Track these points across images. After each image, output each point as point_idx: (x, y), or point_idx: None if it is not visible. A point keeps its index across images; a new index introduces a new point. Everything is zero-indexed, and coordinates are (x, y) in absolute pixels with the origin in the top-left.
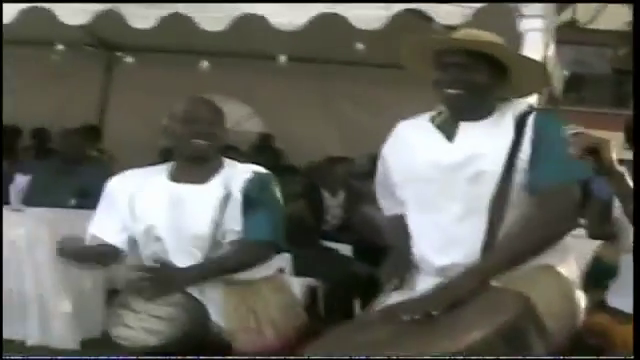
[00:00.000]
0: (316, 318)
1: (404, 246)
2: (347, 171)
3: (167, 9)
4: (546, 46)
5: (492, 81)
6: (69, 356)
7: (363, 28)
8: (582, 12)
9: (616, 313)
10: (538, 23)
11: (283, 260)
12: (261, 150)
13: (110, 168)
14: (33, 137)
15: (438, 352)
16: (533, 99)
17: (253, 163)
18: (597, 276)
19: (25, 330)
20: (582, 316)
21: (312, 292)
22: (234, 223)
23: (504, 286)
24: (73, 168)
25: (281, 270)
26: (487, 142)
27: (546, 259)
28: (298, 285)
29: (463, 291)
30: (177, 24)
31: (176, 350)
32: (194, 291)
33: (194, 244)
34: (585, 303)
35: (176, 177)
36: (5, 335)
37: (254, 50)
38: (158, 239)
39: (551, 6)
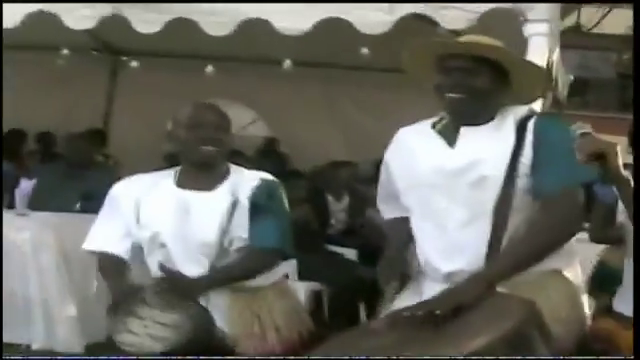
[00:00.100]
0: (321, 323)
1: (401, 248)
2: (351, 175)
3: (172, 14)
4: (551, 51)
5: (494, 86)
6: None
7: (368, 33)
8: (586, 17)
9: (622, 319)
10: (543, 27)
11: (288, 265)
12: (266, 154)
13: (115, 172)
14: (38, 141)
15: (445, 357)
16: (538, 103)
17: (258, 167)
18: (602, 281)
19: (30, 334)
20: (588, 321)
21: (317, 297)
22: (241, 230)
23: (510, 291)
24: (78, 172)
25: (286, 275)
26: (488, 147)
27: (552, 263)
28: (303, 290)
29: (468, 296)
30: (182, 29)
31: (182, 355)
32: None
33: (201, 251)
34: (591, 308)
35: (183, 183)
36: (10, 339)
37: (259, 55)
38: (163, 246)
39: (556, 11)
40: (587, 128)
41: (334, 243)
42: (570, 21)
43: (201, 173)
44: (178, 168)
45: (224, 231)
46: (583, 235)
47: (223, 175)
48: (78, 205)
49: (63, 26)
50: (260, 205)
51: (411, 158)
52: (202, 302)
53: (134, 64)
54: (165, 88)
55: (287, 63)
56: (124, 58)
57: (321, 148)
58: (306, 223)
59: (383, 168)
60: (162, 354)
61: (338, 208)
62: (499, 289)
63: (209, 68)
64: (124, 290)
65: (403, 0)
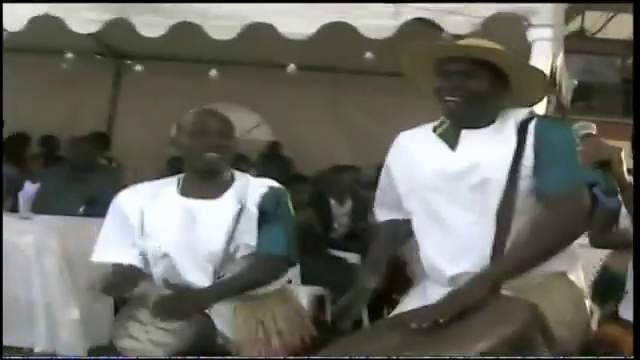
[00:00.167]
0: (323, 327)
1: (388, 250)
2: (354, 179)
3: (176, 18)
4: (554, 55)
5: (493, 89)
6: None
7: (372, 37)
8: (591, 21)
9: (628, 325)
10: (547, 32)
11: (291, 270)
12: (269, 158)
13: (119, 176)
14: (42, 145)
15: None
16: (542, 108)
17: (261, 171)
18: (605, 286)
19: (33, 337)
20: (592, 325)
21: (319, 301)
22: (247, 237)
23: (515, 294)
24: (82, 176)
25: (289, 281)
26: (490, 150)
27: (557, 266)
28: (306, 294)
29: (472, 298)
30: (186, 33)
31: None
32: None
33: (207, 259)
34: (595, 313)
35: (187, 192)
36: (13, 342)
37: (263, 59)
38: (168, 256)
39: (560, 15)
40: (590, 128)
41: (337, 247)
42: (574, 26)
43: (205, 181)
44: (181, 176)
45: (230, 238)
46: (585, 240)
47: (228, 182)
48: (82, 209)
49: (67, 30)
50: (268, 213)
51: (413, 162)
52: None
53: (138, 68)
54: (169, 92)
55: (291, 67)
56: (128, 62)
57: (325, 152)
58: (309, 227)
59: (384, 172)
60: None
61: (341, 212)
62: (503, 292)
63: (213, 72)
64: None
65: (407, 1)
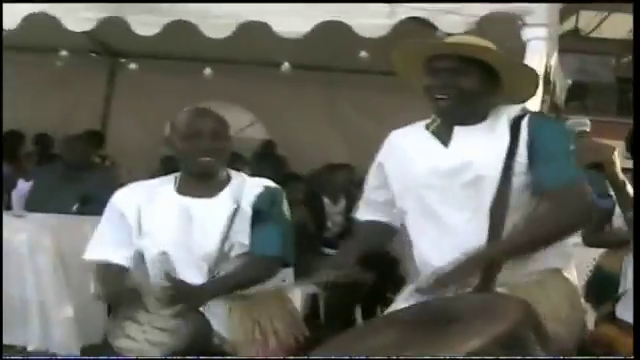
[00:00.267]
0: (317, 326)
1: (355, 252)
2: (348, 178)
3: (171, 16)
4: (549, 55)
5: (483, 86)
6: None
7: (367, 36)
8: (585, 21)
9: (625, 326)
10: (541, 32)
11: (285, 270)
12: (264, 157)
13: (113, 175)
14: (36, 143)
15: (427, 357)
16: (536, 106)
17: (255, 170)
18: (599, 285)
19: (26, 335)
20: (587, 322)
21: (313, 299)
22: (242, 237)
23: (511, 291)
24: (76, 174)
25: (283, 280)
26: (482, 147)
27: (552, 262)
28: (299, 293)
29: (478, 265)
30: (181, 31)
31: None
32: None
33: (203, 258)
34: (590, 312)
35: (184, 190)
36: (6, 341)
37: (258, 57)
38: (165, 253)
39: (554, 15)
40: (585, 125)
41: (331, 246)
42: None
43: (201, 181)
44: (178, 174)
45: (225, 238)
46: (578, 239)
47: (224, 181)
48: (75, 207)
49: (62, 28)
50: (263, 212)
51: (406, 160)
52: (201, 309)
53: (133, 66)
54: (163, 90)
55: (286, 66)
56: (123, 60)
57: (320, 151)
58: (303, 226)
59: (375, 170)
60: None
61: (335, 211)
62: (498, 289)
63: (207, 71)
64: (123, 297)
65: (402, 1)
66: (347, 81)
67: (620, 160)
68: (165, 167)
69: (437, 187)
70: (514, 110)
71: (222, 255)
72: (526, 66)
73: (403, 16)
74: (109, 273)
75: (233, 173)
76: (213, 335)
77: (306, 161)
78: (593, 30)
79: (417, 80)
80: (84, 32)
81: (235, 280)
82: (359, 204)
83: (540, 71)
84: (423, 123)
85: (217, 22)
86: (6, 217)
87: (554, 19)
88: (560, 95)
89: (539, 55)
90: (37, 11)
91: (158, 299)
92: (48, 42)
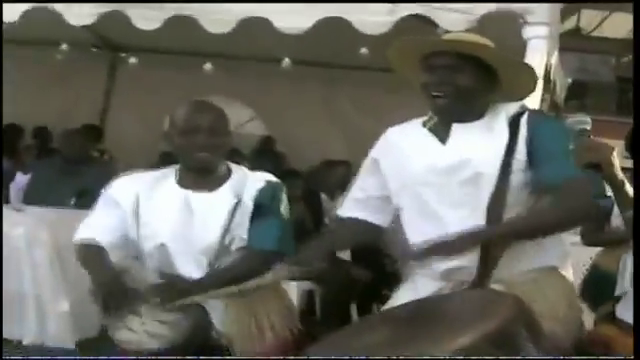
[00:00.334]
0: (313, 322)
1: (324, 248)
2: (346, 175)
3: (172, 11)
4: (550, 53)
5: (480, 84)
6: (68, 356)
7: (368, 33)
8: (586, 20)
9: (624, 326)
10: (542, 30)
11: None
12: (262, 153)
13: (112, 169)
14: (35, 136)
15: (427, 356)
16: (535, 105)
17: (254, 166)
18: (595, 284)
19: (22, 329)
20: (584, 321)
21: (309, 296)
22: (242, 230)
23: (507, 288)
24: (74, 168)
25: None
26: (481, 144)
27: (549, 260)
28: (295, 289)
29: (474, 241)
30: (182, 26)
31: (177, 354)
32: None
33: (202, 252)
34: (587, 311)
35: (185, 184)
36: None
37: (258, 53)
38: (164, 245)
39: (556, 13)
40: (585, 123)
41: None
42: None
43: (200, 175)
44: (178, 167)
45: (226, 231)
46: (576, 237)
47: (224, 175)
48: (73, 201)
49: (63, 22)
50: (263, 207)
51: (403, 157)
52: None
53: (133, 60)
54: (163, 85)
55: (286, 62)
56: (123, 54)
57: (319, 147)
58: (301, 222)
59: (369, 167)
60: (159, 352)
61: (332, 207)
62: (494, 286)
63: (208, 66)
64: (106, 278)
65: (404, 0)
66: (347, 78)
67: (619, 159)
68: (163, 163)
69: (434, 184)
70: (512, 107)
71: (222, 249)
72: (524, 63)
73: (404, 13)
74: (89, 253)
75: (234, 167)
76: (212, 329)
77: (305, 158)
78: (594, 29)
79: (414, 77)
80: (85, 26)
81: (232, 274)
82: (344, 201)
83: (540, 70)
84: (420, 120)
85: (218, 17)
86: (4, 210)
87: (555, 18)
88: (560, 94)
89: (540, 54)
90: (38, 5)
91: (155, 292)
92: (49, 36)
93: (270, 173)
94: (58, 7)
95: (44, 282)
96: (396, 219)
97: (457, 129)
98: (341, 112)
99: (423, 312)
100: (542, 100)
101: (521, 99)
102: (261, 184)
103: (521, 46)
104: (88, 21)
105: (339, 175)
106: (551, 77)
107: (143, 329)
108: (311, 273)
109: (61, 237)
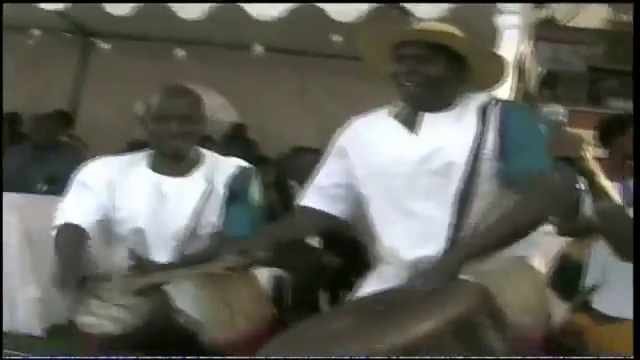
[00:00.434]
0: (283, 309)
1: (292, 236)
2: (315, 162)
3: None
4: (523, 43)
5: (451, 73)
6: (67, 356)
7: (341, 21)
8: (561, 10)
9: (599, 315)
10: (515, 20)
11: None
12: (233, 140)
13: (82, 154)
14: (6, 122)
15: (387, 344)
16: (506, 94)
17: (225, 153)
18: (565, 274)
19: None
20: (553, 311)
21: (279, 282)
22: (213, 216)
23: (477, 279)
24: (44, 154)
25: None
26: (451, 134)
27: (519, 250)
28: (265, 275)
29: (441, 280)
30: (154, 12)
31: (140, 339)
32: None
33: (173, 236)
34: (556, 301)
35: (157, 168)
36: None
37: (231, 40)
38: (139, 230)
39: (528, 4)
40: (560, 114)
41: None
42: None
43: (173, 160)
44: (150, 151)
45: (197, 217)
46: (547, 227)
47: (196, 161)
48: (44, 186)
49: (34, 7)
50: (235, 193)
51: (371, 147)
52: (169, 288)
53: (105, 46)
54: (135, 71)
55: (259, 49)
56: (95, 40)
57: (292, 135)
58: (271, 209)
59: (336, 156)
60: (121, 337)
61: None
62: (463, 277)
63: (180, 52)
64: (77, 264)
65: None
66: (320, 65)
67: (592, 149)
68: (131, 151)
69: (404, 175)
70: (483, 97)
71: (192, 234)
72: (494, 53)
73: (377, 1)
74: (68, 236)
75: (206, 153)
76: (173, 312)
77: (277, 145)
78: (569, 20)
79: (384, 66)
80: (57, 11)
81: (202, 260)
82: (307, 189)
83: (513, 59)
84: (385, 110)
85: (190, 3)
86: None
87: (528, 7)
88: (533, 83)
89: (513, 43)
90: None
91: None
92: (20, 21)
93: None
94: None
95: (13, 268)
96: (364, 208)
97: (427, 118)
98: (314, 99)
99: (390, 300)
100: (515, 89)
101: (492, 89)
102: (233, 170)
103: (494, 35)
104: (61, 6)
105: (308, 162)
106: (524, 66)
107: (104, 313)
108: (254, 262)
109: (31, 222)
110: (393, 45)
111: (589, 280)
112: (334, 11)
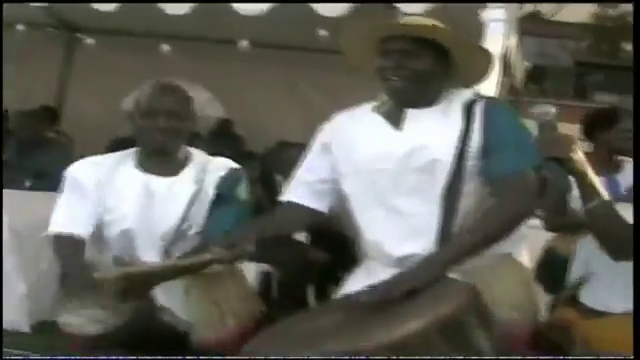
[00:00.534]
0: (270, 304)
1: (273, 232)
2: (300, 156)
3: None
4: (508, 37)
5: (437, 68)
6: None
7: (327, 15)
8: (546, 4)
9: (586, 310)
10: (501, 13)
11: None
12: (220, 136)
13: (67, 150)
14: None
15: (374, 342)
16: (492, 89)
17: (211, 149)
18: (551, 268)
19: None
20: (541, 307)
21: (266, 278)
22: (200, 217)
23: (464, 277)
24: (30, 150)
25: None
26: (436, 130)
27: (504, 247)
28: (252, 271)
29: (421, 281)
30: (140, 6)
31: (125, 338)
32: None
33: (162, 237)
34: (543, 295)
35: (145, 167)
36: None
37: (217, 35)
38: (128, 230)
39: None
40: (549, 115)
41: None
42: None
43: (159, 158)
44: (136, 150)
45: (184, 218)
46: (534, 222)
47: (184, 160)
48: (29, 182)
49: (20, 2)
50: (224, 195)
51: (355, 143)
52: (157, 288)
53: (90, 41)
54: (121, 66)
55: (245, 44)
56: (80, 35)
57: (278, 130)
58: (257, 204)
59: (320, 151)
60: (102, 337)
61: None
62: (450, 275)
63: (166, 47)
64: (79, 271)
65: None
66: (306, 60)
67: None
68: (113, 149)
69: (388, 171)
70: (467, 94)
71: (179, 234)
72: (479, 46)
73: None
74: (69, 245)
75: (194, 152)
76: (157, 312)
77: (264, 140)
78: (554, 14)
79: (369, 61)
80: (42, 6)
81: (190, 262)
82: (290, 184)
83: (499, 53)
84: (369, 106)
85: None
86: None
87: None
88: (519, 78)
89: (498, 37)
90: None
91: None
92: (5, 16)
93: (227, 156)
94: None
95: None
96: (348, 204)
97: (412, 114)
98: (300, 94)
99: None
100: (501, 84)
101: (478, 83)
102: (223, 172)
103: (480, 29)
104: (45, 1)
105: (294, 156)
106: (509, 61)
107: (85, 313)
108: (240, 255)
109: (17, 219)
110: (379, 40)
111: (575, 274)
112: (320, 5)
